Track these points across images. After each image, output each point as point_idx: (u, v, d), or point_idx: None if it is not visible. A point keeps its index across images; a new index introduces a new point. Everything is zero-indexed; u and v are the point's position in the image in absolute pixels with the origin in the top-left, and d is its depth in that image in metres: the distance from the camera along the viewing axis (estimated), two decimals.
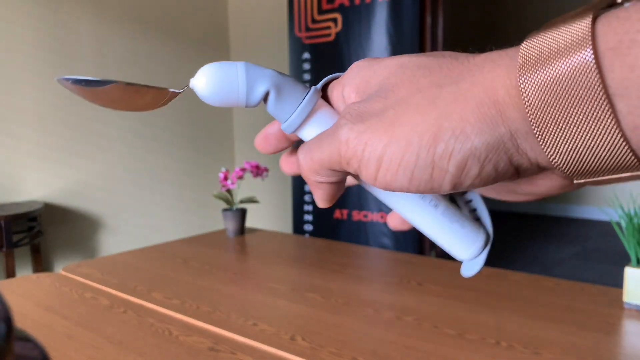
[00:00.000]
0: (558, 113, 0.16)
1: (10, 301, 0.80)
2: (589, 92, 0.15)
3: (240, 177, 1.30)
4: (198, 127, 2.97)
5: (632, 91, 0.15)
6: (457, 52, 0.21)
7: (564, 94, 0.16)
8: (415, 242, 2.10)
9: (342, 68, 2.23)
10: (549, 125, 0.17)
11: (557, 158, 0.17)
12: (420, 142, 0.18)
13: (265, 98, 0.24)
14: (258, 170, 1.30)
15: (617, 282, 0.86)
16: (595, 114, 0.16)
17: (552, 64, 0.16)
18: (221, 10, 3.11)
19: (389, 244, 2.16)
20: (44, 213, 2.27)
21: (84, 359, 0.60)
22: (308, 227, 2.44)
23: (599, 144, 0.16)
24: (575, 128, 0.16)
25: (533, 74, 0.17)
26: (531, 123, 0.17)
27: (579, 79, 0.15)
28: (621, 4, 0.16)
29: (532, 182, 0.21)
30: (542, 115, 0.17)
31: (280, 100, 0.24)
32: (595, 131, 0.16)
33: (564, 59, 0.16)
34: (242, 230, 1.30)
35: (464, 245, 0.26)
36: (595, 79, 0.15)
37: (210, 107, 3.02)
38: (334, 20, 2.24)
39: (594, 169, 0.17)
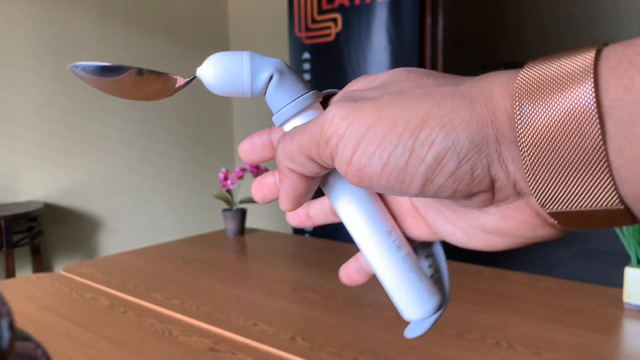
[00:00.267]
0: (552, 161, 0.17)
1: (11, 301, 0.80)
2: (586, 140, 0.16)
3: (241, 177, 1.30)
4: (198, 128, 2.97)
5: (623, 112, 0.15)
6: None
7: (560, 139, 0.16)
8: None
9: (342, 68, 2.23)
10: (537, 161, 0.17)
11: (533, 176, 0.17)
12: (406, 125, 0.19)
13: (268, 86, 0.24)
14: (258, 171, 1.30)
15: (617, 282, 0.86)
16: (587, 163, 0.16)
17: (551, 96, 0.16)
18: (221, 10, 3.11)
19: None
20: (44, 213, 2.27)
21: (84, 359, 0.60)
22: (308, 227, 2.44)
23: (579, 181, 0.16)
24: (565, 177, 0.17)
25: (532, 100, 0.17)
26: (517, 131, 0.17)
27: (576, 123, 0.16)
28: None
29: (502, 214, 0.20)
30: (533, 152, 0.17)
31: (280, 87, 0.24)
32: (582, 177, 0.16)
33: (562, 92, 0.16)
34: (242, 230, 1.30)
35: (416, 301, 0.24)
36: (594, 125, 0.15)
37: (210, 108, 3.02)
38: (334, 20, 2.24)
39: (567, 199, 0.17)
